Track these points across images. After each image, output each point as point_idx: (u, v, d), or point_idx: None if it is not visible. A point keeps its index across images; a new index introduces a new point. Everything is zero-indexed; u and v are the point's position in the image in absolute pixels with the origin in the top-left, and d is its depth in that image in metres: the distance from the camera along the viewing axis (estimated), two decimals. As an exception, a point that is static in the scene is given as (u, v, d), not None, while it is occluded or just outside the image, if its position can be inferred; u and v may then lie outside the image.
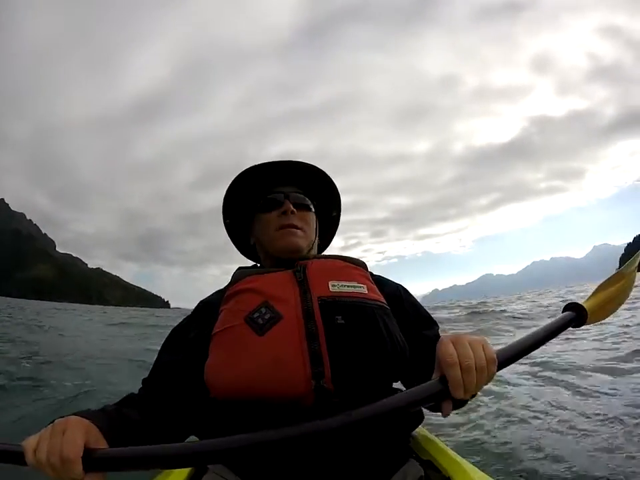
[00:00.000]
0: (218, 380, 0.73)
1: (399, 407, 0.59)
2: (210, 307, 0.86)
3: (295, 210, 0.92)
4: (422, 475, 0.76)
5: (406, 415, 0.68)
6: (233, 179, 0.99)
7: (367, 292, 0.81)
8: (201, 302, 0.91)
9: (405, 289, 0.94)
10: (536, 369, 4.09)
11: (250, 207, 0.99)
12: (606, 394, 3.06)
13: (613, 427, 2.36)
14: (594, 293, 0.90)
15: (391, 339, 0.76)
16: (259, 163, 0.97)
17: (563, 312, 0.83)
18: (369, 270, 0.91)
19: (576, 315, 0.81)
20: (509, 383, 3.56)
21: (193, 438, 0.85)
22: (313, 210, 0.98)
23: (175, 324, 0.91)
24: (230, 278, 0.90)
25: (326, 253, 1.11)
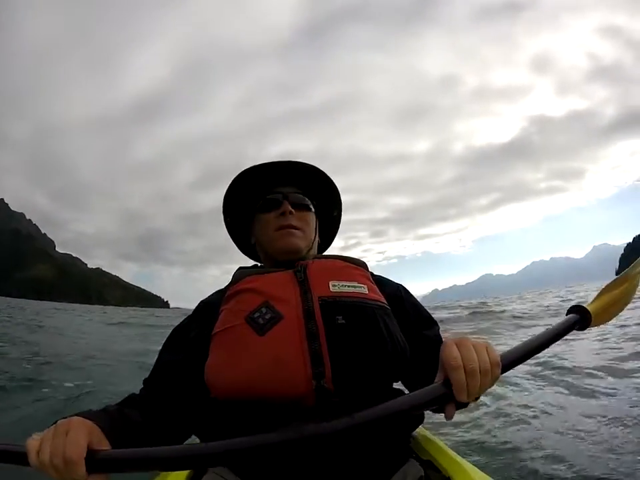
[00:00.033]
0: (218, 380, 0.73)
1: (403, 410, 0.59)
2: (210, 306, 0.86)
3: (293, 210, 0.92)
4: (422, 475, 0.76)
5: (407, 416, 0.68)
6: (232, 178, 0.99)
7: (367, 292, 0.81)
8: (202, 302, 0.91)
9: (405, 289, 0.94)
10: (536, 368, 4.10)
11: (250, 206, 0.99)
12: (606, 394, 3.07)
13: (613, 427, 2.36)
14: (598, 296, 0.88)
15: (392, 339, 0.76)
16: (259, 163, 0.97)
17: (566, 315, 0.82)
18: (370, 270, 0.91)
19: (580, 318, 0.80)
20: (508, 383, 3.56)
21: (193, 438, 0.85)
22: (313, 210, 0.98)
23: (174, 324, 0.91)
24: (230, 278, 0.90)
25: (326, 253, 1.11)
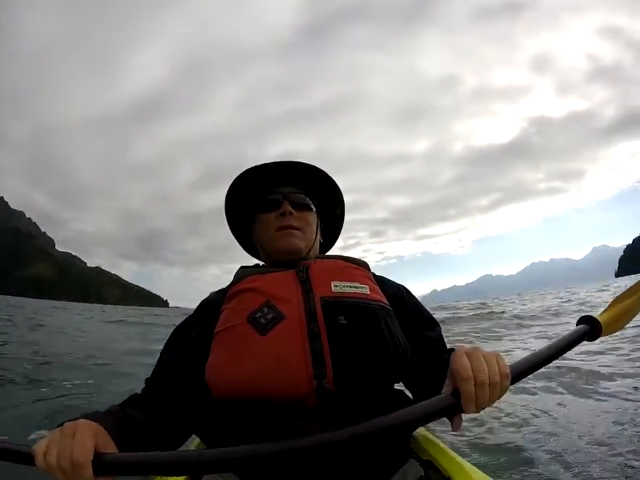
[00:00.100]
0: (219, 379, 0.73)
1: (410, 420, 0.58)
2: (212, 306, 0.86)
3: (293, 211, 0.92)
4: (422, 475, 0.76)
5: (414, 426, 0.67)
6: (233, 178, 0.99)
7: (369, 292, 0.81)
8: (203, 301, 0.91)
9: (407, 289, 0.94)
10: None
11: (251, 206, 0.99)
12: (607, 394, 3.07)
13: (614, 428, 2.36)
14: (610, 306, 0.87)
15: (393, 339, 0.76)
16: (260, 163, 0.98)
17: (576, 325, 0.81)
18: (371, 270, 0.91)
19: (590, 329, 0.79)
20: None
21: (193, 437, 0.85)
22: (314, 209, 0.99)
23: (173, 322, 0.91)
24: (231, 278, 0.90)
25: (328, 253, 1.11)
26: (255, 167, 0.97)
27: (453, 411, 0.60)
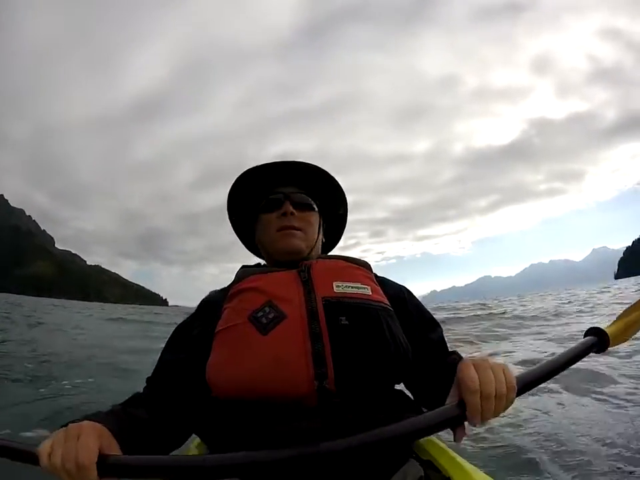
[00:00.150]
0: (220, 379, 0.73)
1: (415, 431, 0.58)
2: (213, 305, 0.86)
3: (294, 211, 0.92)
4: (422, 475, 0.76)
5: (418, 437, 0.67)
6: (233, 178, 0.99)
7: (370, 293, 0.81)
8: (204, 299, 0.91)
9: (408, 290, 0.94)
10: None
11: (253, 206, 0.99)
12: (607, 394, 3.07)
13: (615, 428, 2.36)
14: (619, 318, 0.87)
15: (394, 340, 0.76)
16: (261, 163, 0.98)
17: (584, 337, 0.80)
18: (373, 271, 0.91)
19: (598, 340, 0.79)
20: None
21: (194, 437, 0.85)
22: (316, 209, 0.98)
23: (173, 321, 0.91)
24: (229, 277, 0.90)
25: (329, 253, 1.11)
26: (257, 166, 0.97)
27: (457, 422, 0.59)
